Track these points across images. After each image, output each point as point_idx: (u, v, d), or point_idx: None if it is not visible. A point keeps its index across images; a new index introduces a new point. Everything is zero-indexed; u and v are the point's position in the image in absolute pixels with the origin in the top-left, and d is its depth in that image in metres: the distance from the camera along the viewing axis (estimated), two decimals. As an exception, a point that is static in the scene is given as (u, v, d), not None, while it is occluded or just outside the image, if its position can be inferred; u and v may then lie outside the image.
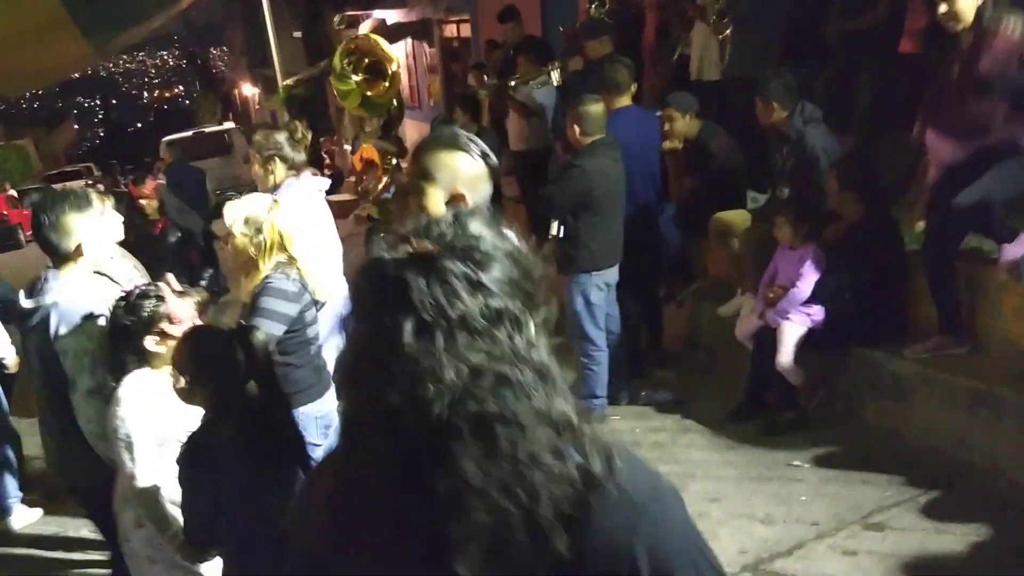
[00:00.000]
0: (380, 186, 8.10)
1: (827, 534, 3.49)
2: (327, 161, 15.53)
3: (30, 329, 2.80)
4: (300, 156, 4.39)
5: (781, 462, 4.08)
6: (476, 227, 1.01)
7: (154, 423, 2.52)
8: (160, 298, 2.57)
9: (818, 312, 4.26)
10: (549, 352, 1.02)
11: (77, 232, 2.79)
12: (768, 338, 4.35)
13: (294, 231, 3.06)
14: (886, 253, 4.22)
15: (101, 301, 2.76)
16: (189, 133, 16.01)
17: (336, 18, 17.11)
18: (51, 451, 3.00)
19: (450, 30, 14.93)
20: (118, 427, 2.51)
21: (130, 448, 2.50)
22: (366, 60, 6.95)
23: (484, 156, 2.05)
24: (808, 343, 4.27)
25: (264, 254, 2.97)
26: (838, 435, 4.26)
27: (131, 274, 3.41)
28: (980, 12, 3.58)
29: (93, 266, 2.93)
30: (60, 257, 2.82)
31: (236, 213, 2.99)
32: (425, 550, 0.95)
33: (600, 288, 4.65)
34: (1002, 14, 3.52)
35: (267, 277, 2.96)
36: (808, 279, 4.27)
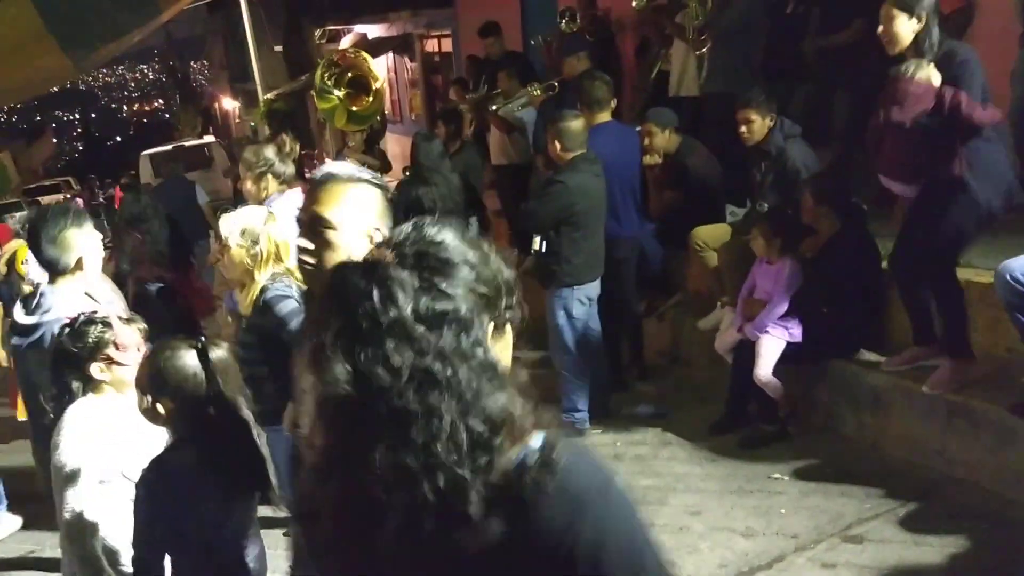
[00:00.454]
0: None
1: (807, 547, 3.51)
2: (309, 174, 15.49)
3: (29, 344, 2.80)
4: (290, 169, 4.45)
5: (761, 475, 4.11)
6: (437, 233, 1.09)
7: (96, 454, 2.46)
8: (107, 324, 2.54)
9: (796, 326, 4.30)
10: (497, 351, 1.08)
11: (77, 247, 2.84)
12: (747, 351, 4.39)
13: (289, 242, 3.08)
14: (862, 267, 4.26)
15: None
16: (169, 147, 15.91)
17: (317, 32, 17.11)
18: (46, 464, 2.98)
19: (431, 45, 14.98)
20: (59, 457, 2.45)
21: (71, 479, 2.43)
22: (349, 75, 6.96)
23: (381, 186, 1.88)
24: (787, 356, 4.31)
25: (260, 265, 3.01)
26: (818, 447, 4.29)
27: (109, 296, 3.40)
28: (919, 38, 3.62)
29: (89, 281, 2.95)
30: (59, 272, 2.85)
31: (232, 224, 3.01)
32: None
33: (582, 302, 4.68)
34: (910, 60, 3.57)
35: (265, 288, 2.98)
36: (785, 293, 4.31)
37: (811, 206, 4.34)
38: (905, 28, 3.63)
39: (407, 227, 1.11)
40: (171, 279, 4.13)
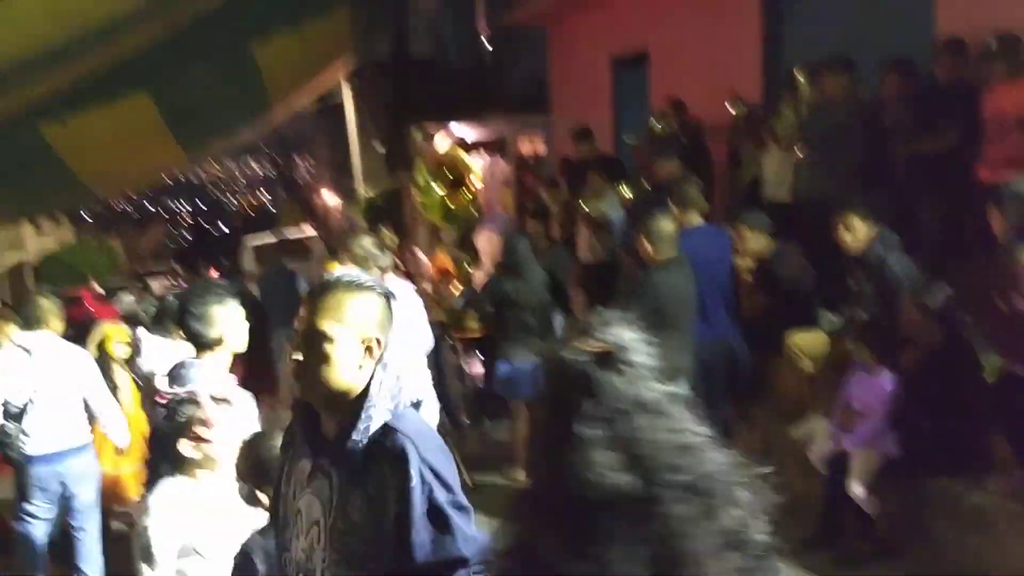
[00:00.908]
0: (452, 292, 8.27)
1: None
2: (401, 267, 15.87)
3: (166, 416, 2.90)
4: (387, 260, 4.66)
5: (858, 596, 3.88)
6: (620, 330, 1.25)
7: (179, 534, 2.50)
8: (195, 403, 2.61)
9: (894, 440, 4.11)
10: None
11: (219, 323, 2.98)
12: (843, 464, 4.20)
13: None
14: (965, 381, 4.08)
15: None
16: (272, 238, 16.58)
17: (418, 133, 17.80)
18: None
19: (525, 146, 15.38)
20: (141, 535, 2.50)
21: (148, 559, 2.48)
22: (448, 174, 7.24)
23: (386, 295, 1.87)
24: (884, 472, 4.11)
25: None
26: (916, 569, 4.03)
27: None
28: None
29: (231, 355, 3.09)
30: (203, 346, 2.98)
31: None
32: None
33: (668, 404, 4.59)
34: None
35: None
36: (885, 406, 4.14)
37: (916, 317, 4.20)
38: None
39: (600, 321, 1.28)
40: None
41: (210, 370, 2.94)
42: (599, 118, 10.66)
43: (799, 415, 5.17)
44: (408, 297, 4.61)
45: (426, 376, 4.53)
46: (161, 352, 3.68)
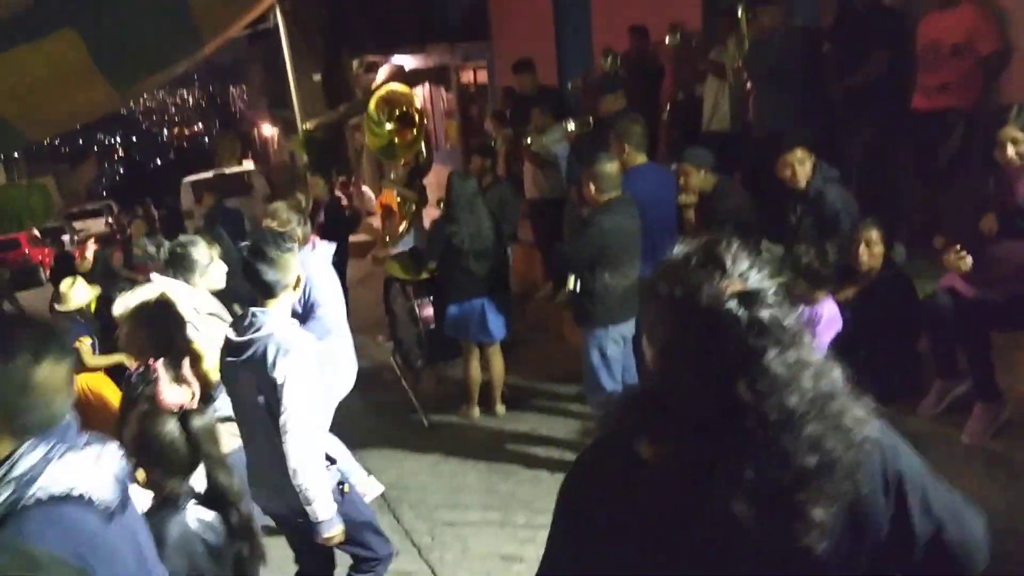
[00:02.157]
0: (399, 231, 8.24)
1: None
2: (344, 202, 15.69)
3: (243, 361, 2.96)
4: (307, 229, 4.67)
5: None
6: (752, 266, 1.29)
7: None
8: (152, 381, 2.59)
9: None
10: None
11: (292, 269, 3.08)
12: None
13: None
14: (901, 309, 4.25)
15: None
16: (209, 174, 16.20)
17: (355, 63, 17.41)
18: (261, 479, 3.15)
19: (467, 76, 15.16)
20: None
21: None
22: (397, 109, 7.13)
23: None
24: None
25: None
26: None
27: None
28: None
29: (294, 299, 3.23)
30: (272, 293, 3.06)
31: (127, 304, 3.36)
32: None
33: (616, 341, 4.71)
34: None
35: None
36: (825, 335, 4.29)
37: (855, 247, 4.32)
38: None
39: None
40: None
41: (277, 316, 3.04)
42: (543, 47, 10.54)
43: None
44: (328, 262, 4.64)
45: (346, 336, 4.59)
46: (184, 297, 3.73)
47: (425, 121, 7.12)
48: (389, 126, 6.82)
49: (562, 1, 10.57)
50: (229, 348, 3.04)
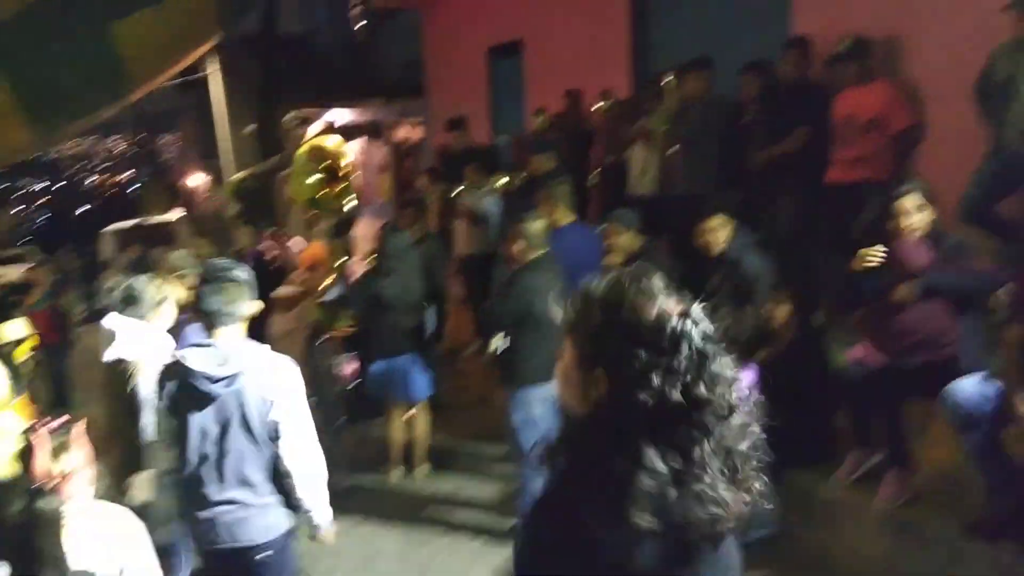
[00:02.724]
0: (324, 285, 8.09)
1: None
2: (271, 254, 15.46)
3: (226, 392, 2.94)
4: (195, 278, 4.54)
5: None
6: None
7: None
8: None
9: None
10: None
11: (245, 298, 3.08)
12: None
13: None
14: (815, 377, 4.31)
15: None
16: (132, 223, 15.83)
17: (289, 115, 17.30)
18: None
19: (402, 132, 15.21)
20: None
21: None
22: (325, 162, 7.07)
23: None
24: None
25: None
26: (770, 559, 4.24)
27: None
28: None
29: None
30: (230, 322, 3.04)
31: None
32: None
33: (542, 402, 4.65)
34: None
35: None
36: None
37: (771, 314, 4.39)
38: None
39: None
40: None
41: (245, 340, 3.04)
42: (477, 105, 10.67)
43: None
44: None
45: None
46: (141, 335, 3.63)
47: (352, 174, 7.07)
48: (314, 178, 6.75)
49: (497, 63, 10.74)
50: (194, 376, 2.95)
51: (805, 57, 5.61)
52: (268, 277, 8.43)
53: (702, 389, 1.37)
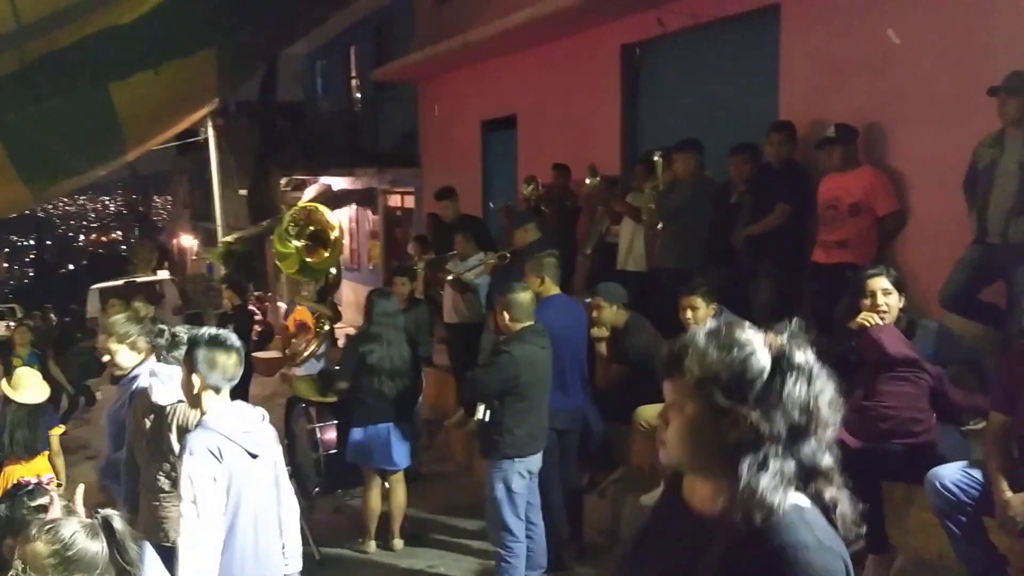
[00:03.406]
0: (310, 350, 8.04)
1: None
2: (258, 317, 15.41)
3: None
4: (143, 341, 4.42)
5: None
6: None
7: None
8: (42, 507, 2.41)
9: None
10: None
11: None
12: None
13: None
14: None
15: None
16: (120, 282, 15.80)
17: (283, 180, 17.48)
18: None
19: (394, 199, 15.36)
20: None
21: None
22: (310, 227, 7.10)
23: None
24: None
25: None
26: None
27: None
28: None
29: None
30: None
31: None
32: None
33: (522, 475, 4.59)
34: None
35: None
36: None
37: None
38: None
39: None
40: None
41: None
42: (470, 176, 10.80)
43: (651, 484, 5.27)
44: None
45: None
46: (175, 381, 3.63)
47: (340, 241, 7.09)
48: (299, 243, 6.77)
49: (490, 135, 10.91)
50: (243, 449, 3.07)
51: (790, 140, 5.71)
52: (249, 339, 8.40)
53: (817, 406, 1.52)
